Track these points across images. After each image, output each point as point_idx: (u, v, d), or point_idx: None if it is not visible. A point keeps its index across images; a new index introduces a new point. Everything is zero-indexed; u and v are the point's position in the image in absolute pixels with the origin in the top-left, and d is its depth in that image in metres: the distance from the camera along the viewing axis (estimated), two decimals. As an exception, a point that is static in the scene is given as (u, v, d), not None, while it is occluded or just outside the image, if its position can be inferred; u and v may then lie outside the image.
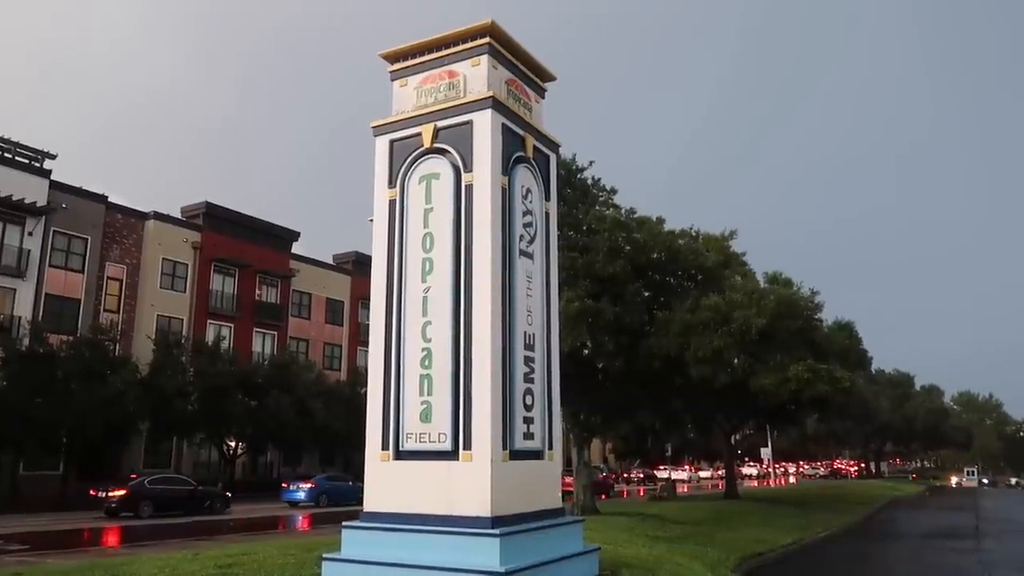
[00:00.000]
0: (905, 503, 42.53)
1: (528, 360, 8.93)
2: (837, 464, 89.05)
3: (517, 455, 8.35)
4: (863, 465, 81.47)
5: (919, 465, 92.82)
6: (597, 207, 23.62)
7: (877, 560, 18.42)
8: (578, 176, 23.76)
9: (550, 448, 9.07)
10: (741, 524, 22.00)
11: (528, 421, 8.70)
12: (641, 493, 44.62)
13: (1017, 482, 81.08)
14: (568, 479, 22.66)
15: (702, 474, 72.69)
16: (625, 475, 66.68)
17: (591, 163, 23.67)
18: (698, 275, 23.50)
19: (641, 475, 64.64)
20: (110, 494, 25.31)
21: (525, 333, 8.97)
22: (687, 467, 73.88)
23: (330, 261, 53.28)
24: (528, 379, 8.85)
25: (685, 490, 49.86)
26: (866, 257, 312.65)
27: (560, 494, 9.34)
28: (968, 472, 79.00)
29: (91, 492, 26.53)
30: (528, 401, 8.77)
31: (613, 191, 24.40)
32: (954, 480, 76.42)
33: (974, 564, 17.01)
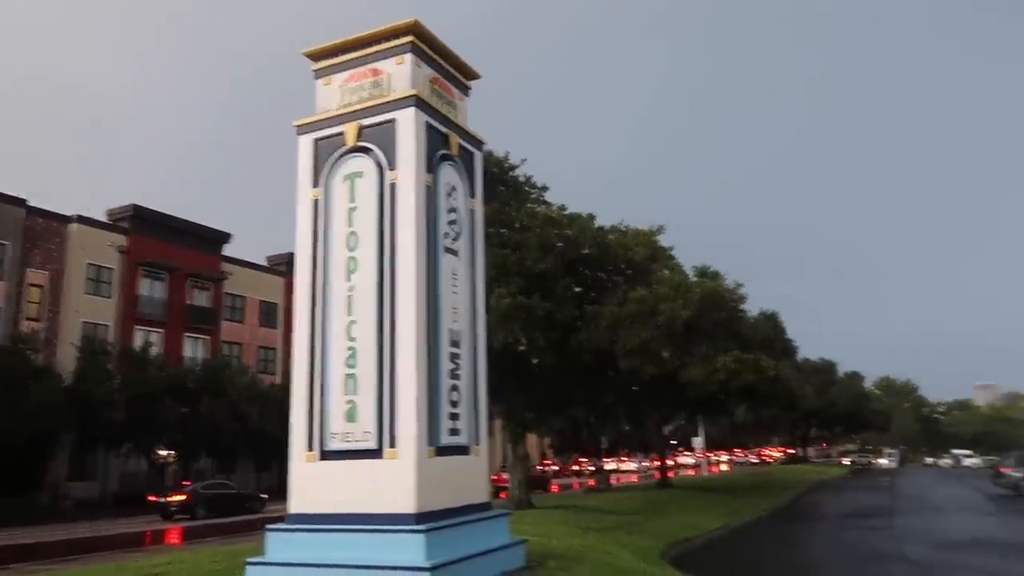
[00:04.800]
0: (829, 485, 44.24)
1: (454, 357, 9.01)
2: (767, 451, 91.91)
3: (443, 451, 8.42)
4: (791, 451, 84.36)
5: (851, 448, 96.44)
6: (529, 204, 23.84)
7: (799, 540, 19.20)
8: (510, 174, 23.93)
9: (477, 443, 9.18)
10: (672, 512, 22.59)
11: (454, 417, 8.79)
12: (575, 487, 45.20)
13: (935, 462, 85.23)
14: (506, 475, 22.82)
15: (645, 465, 73.92)
16: (566, 469, 67.41)
17: (523, 161, 23.89)
18: (627, 269, 23.95)
19: (591, 468, 65.39)
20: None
21: (451, 330, 9.04)
22: (638, 459, 75.01)
23: (264, 263, 52.20)
24: (454, 376, 8.93)
25: (635, 480, 50.90)
26: (794, 249, 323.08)
27: (487, 488, 9.46)
28: (888, 453, 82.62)
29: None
30: (454, 398, 8.85)
31: (545, 188, 24.68)
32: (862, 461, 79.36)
33: (887, 540, 17.91)
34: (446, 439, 8.55)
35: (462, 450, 8.88)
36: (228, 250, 48.23)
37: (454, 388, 8.89)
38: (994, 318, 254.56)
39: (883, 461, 77.49)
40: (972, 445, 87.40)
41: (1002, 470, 34.56)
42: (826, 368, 71.70)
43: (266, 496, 31.70)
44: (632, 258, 24.21)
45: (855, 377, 79.86)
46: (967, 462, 75.32)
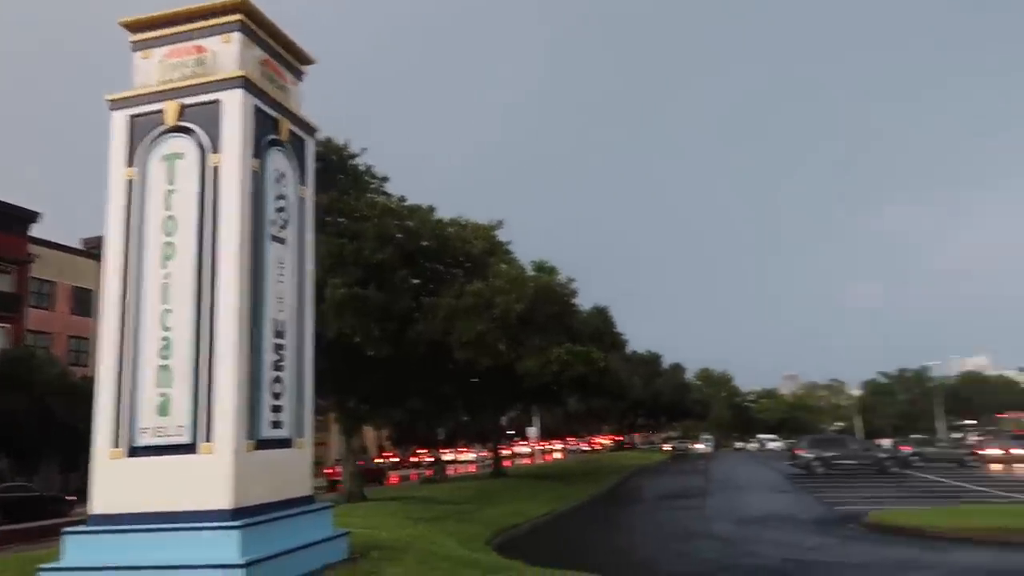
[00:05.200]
0: (651, 470, 47.12)
1: (278, 348, 8.81)
2: (598, 439, 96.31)
3: (264, 444, 8.23)
4: (620, 438, 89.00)
5: (673, 435, 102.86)
6: (369, 194, 23.58)
7: (619, 521, 20.37)
8: (350, 162, 23.54)
9: (300, 436, 9.03)
10: (504, 500, 23.22)
11: (277, 410, 8.60)
12: (414, 478, 45.29)
13: (744, 446, 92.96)
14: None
15: (483, 455, 74.98)
16: (406, 460, 67.17)
17: (363, 150, 23.58)
18: (466, 262, 24.32)
19: (430, 459, 65.36)
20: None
21: (275, 320, 8.83)
22: (476, 449, 75.76)
23: (78, 246, 47.87)
24: (278, 367, 8.74)
25: (473, 470, 51.53)
26: (629, 247, 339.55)
27: (310, 482, 9.34)
28: (705, 439, 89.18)
29: None
30: (277, 389, 8.66)
31: (385, 179, 24.51)
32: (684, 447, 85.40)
33: (697, 519, 19.41)
34: (267, 432, 8.36)
35: (284, 443, 8.70)
36: (37, 231, 43.89)
37: (277, 380, 8.69)
38: (800, 315, 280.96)
39: (700, 446, 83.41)
40: (777, 430, 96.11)
41: (797, 452, 38.32)
42: (652, 360, 76.10)
43: (74, 498, 29.36)
44: (470, 251, 24.58)
45: (678, 369, 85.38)
46: (771, 445, 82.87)
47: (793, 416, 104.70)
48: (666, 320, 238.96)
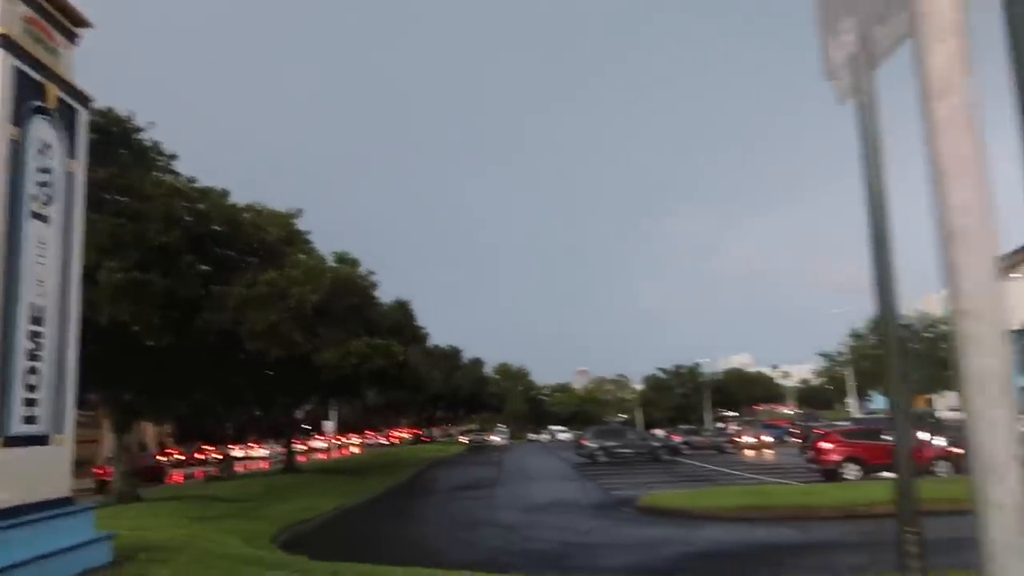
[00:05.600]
0: (447, 462, 47.92)
1: (35, 335, 8.00)
2: (397, 432, 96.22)
3: (14, 441, 7.45)
4: (419, 431, 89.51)
5: (471, 428, 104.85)
6: (155, 172, 21.92)
7: (410, 513, 20.59)
8: (135, 136, 21.70)
9: (59, 432, 8.26)
10: (294, 496, 22.62)
11: (31, 403, 7.81)
12: (199, 475, 42.72)
13: (537, 437, 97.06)
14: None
15: (277, 450, 71.98)
16: (192, 457, 62.88)
17: (150, 124, 21.82)
18: (260, 250, 23.31)
19: (219, 456, 61.56)
20: None
21: (33, 305, 8.02)
22: (269, 445, 72.45)
23: None
24: (34, 356, 7.94)
25: (266, 466, 49.30)
26: (445, 250, 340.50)
27: (69, 481, 8.58)
28: (500, 431, 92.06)
29: None
30: (32, 381, 7.87)
31: (174, 156, 22.87)
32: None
33: (486, 508, 20.11)
34: (19, 428, 7.58)
35: (39, 440, 7.94)
36: None
37: (33, 371, 7.90)
38: (594, 314, 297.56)
39: (496, 438, 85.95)
40: (569, 422, 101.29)
41: (582, 442, 40.81)
42: (453, 354, 77.39)
43: None
44: (266, 239, 23.63)
45: (478, 363, 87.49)
46: (561, 436, 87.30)
47: (583, 409, 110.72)
48: (470, 317, 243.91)
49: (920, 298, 57.52)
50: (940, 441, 24.68)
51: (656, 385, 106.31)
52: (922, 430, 26.96)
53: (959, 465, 21.75)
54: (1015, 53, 1.96)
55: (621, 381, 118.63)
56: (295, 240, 26.03)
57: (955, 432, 25.57)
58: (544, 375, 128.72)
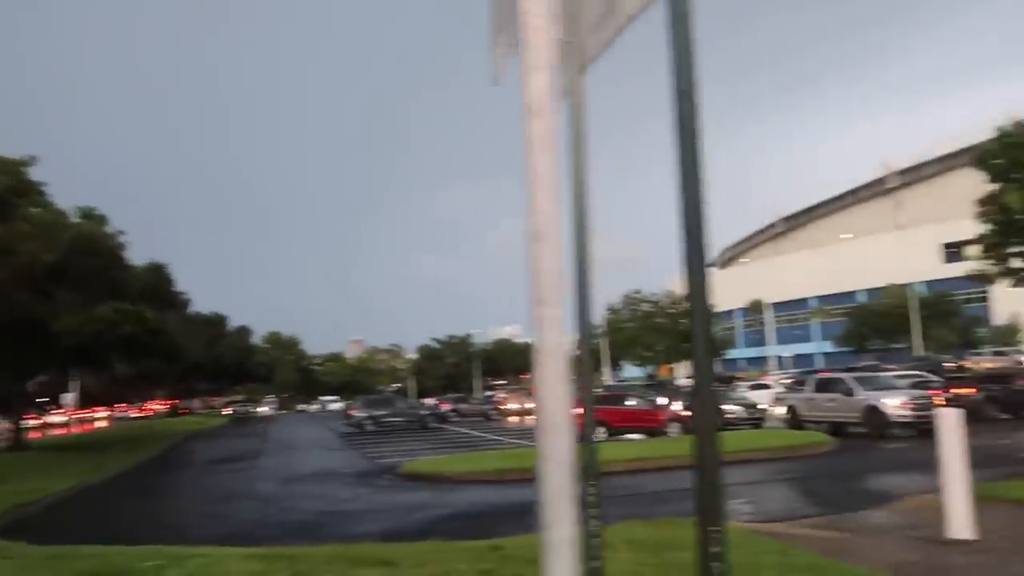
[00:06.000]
0: (207, 435, 45.47)
1: None
2: (151, 404, 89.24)
3: None
4: (176, 403, 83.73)
5: (237, 399, 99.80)
6: None
7: (159, 489, 19.45)
8: None
9: None
10: (19, 476, 20.41)
11: None
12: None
13: (306, 408, 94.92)
14: None
15: (5, 427, 63.59)
16: None
17: None
18: (-18, 201, 20.50)
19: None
20: None
21: None
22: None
23: None
24: None
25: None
26: (217, 217, 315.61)
27: None
28: (268, 402, 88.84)
29: None
30: None
31: None
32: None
33: (243, 480, 19.50)
34: None
35: None
36: None
37: None
38: (370, 285, 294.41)
39: (263, 409, 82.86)
40: (341, 392, 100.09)
41: (350, 412, 40.69)
42: (217, 322, 73.12)
43: None
44: (-10, 188, 20.80)
45: (244, 331, 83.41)
46: (332, 407, 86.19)
47: (356, 379, 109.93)
48: (241, 285, 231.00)
49: (668, 277, 63.99)
50: (676, 406, 27.71)
51: (429, 355, 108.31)
52: (661, 396, 30.14)
53: (687, 426, 24.70)
54: (677, 68, 2.36)
55: (395, 351, 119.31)
56: (29, 191, 23.11)
57: (686, 397, 28.87)
58: (317, 345, 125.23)
